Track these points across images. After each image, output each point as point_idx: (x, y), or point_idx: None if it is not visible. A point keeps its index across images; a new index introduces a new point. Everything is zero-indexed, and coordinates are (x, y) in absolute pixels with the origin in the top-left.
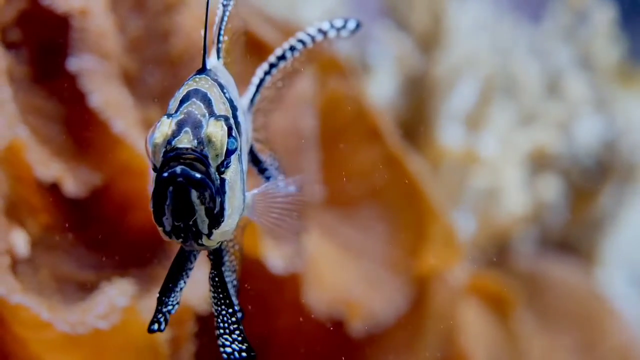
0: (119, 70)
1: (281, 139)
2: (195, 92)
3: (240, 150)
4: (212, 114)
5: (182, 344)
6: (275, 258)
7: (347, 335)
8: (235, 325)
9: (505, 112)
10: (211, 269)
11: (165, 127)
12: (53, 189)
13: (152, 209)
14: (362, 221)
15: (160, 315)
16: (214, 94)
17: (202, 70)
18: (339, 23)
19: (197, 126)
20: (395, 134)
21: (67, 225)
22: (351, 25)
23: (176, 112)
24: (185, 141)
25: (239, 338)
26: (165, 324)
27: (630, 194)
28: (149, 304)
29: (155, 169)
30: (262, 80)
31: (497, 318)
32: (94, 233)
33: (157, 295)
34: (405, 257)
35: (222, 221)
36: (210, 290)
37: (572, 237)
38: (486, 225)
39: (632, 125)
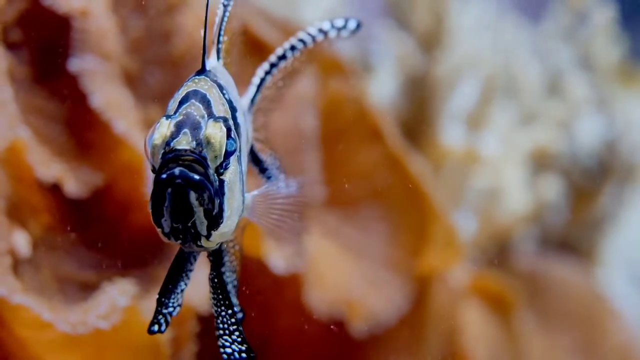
0: (120, 71)
1: (282, 139)
2: (194, 94)
3: (240, 152)
4: (211, 115)
5: (183, 344)
6: (277, 258)
7: (348, 335)
8: (235, 326)
9: (506, 112)
10: (211, 269)
11: (164, 128)
12: (54, 190)
13: (150, 211)
14: (363, 221)
15: (160, 317)
16: (213, 95)
17: (202, 71)
18: (339, 23)
19: (196, 127)
20: (397, 134)
21: (68, 225)
22: (352, 25)
23: (175, 113)
24: (184, 143)
25: (239, 339)
26: (166, 326)
27: (631, 194)
28: (150, 304)
29: (154, 170)
30: (262, 80)
31: (498, 318)
32: (95, 233)
33: (157, 296)
34: (406, 257)
35: (221, 222)
36: (210, 291)
37: (573, 236)
38: (487, 225)
39: (632, 126)
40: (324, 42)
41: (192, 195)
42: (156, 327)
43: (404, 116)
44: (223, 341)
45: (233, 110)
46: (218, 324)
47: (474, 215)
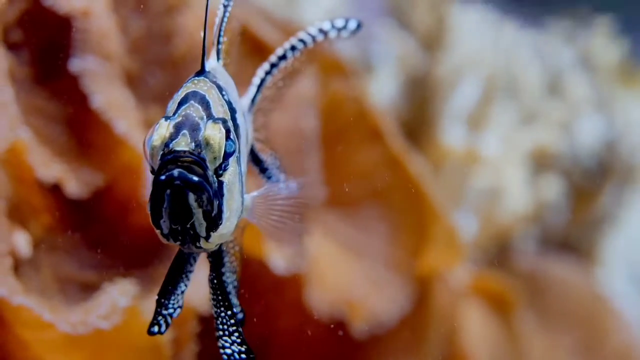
0: (121, 71)
1: (283, 140)
2: (193, 95)
3: (239, 153)
4: (210, 116)
5: (184, 345)
6: (277, 258)
7: (349, 335)
8: (234, 328)
9: (506, 112)
10: (210, 270)
11: (163, 129)
12: (55, 190)
13: (149, 212)
14: (363, 221)
15: (160, 318)
16: (213, 96)
17: (201, 72)
18: (340, 23)
19: (195, 129)
20: (397, 134)
21: (69, 226)
22: (352, 25)
23: (174, 114)
24: (183, 144)
25: (238, 340)
26: (166, 327)
27: (631, 194)
28: (151, 304)
29: (153, 171)
30: (263, 80)
31: (499, 318)
32: (96, 234)
33: (156, 297)
34: (407, 257)
35: (220, 224)
36: (210, 292)
37: (573, 236)
38: (488, 225)
39: (632, 126)
40: (324, 42)
41: (191, 197)
42: (156, 328)
43: (405, 116)
44: (223, 342)
45: (232, 111)
46: (218, 325)
47: (474, 215)
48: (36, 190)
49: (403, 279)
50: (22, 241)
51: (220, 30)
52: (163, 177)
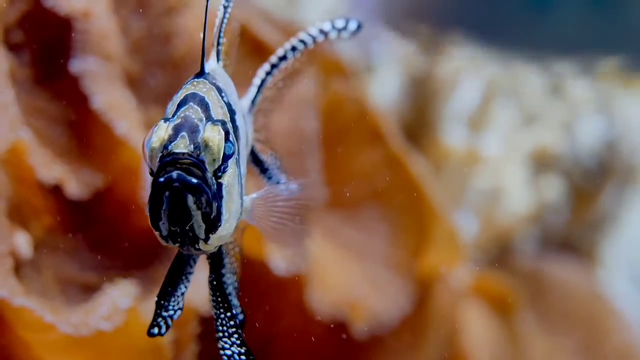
0: (122, 72)
1: (283, 141)
2: (192, 96)
3: (238, 155)
4: (209, 118)
5: (185, 346)
6: (278, 260)
7: (350, 336)
8: (234, 329)
9: (507, 112)
10: (210, 272)
11: (162, 131)
12: (55, 191)
13: (148, 214)
14: (364, 222)
15: (160, 319)
16: (212, 98)
17: (201, 73)
18: (340, 23)
19: (194, 131)
20: (398, 135)
21: (69, 227)
22: (352, 26)
23: (173, 116)
24: (182, 146)
25: (238, 341)
26: (167, 329)
27: (631, 195)
28: (152, 305)
29: (152, 173)
30: (263, 81)
31: (499, 318)
32: (97, 235)
33: (156, 298)
34: (407, 258)
35: (219, 226)
36: (210, 294)
37: (574, 237)
38: (488, 225)
39: (632, 127)
40: (324, 42)
41: (190, 199)
42: (156, 330)
43: (406, 116)
44: (222, 343)
45: (232, 112)
46: (217, 326)
47: (475, 215)
48: (37, 191)
49: (403, 280)
50: (22, 242)
51: (220, 31)
52: (162, 179)
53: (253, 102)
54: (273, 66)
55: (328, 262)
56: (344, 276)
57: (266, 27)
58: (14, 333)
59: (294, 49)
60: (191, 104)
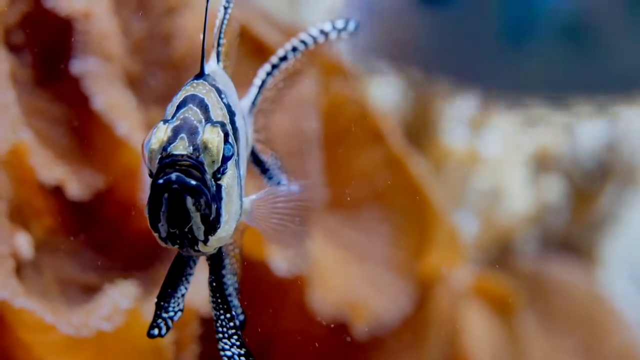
0: (122, 73)
1: (284, 141)
2: (192, 98)
3: (238, 156)
4: (208, 120)
5: (185, 346)
6: (279, 261)
7: (352, 337)
8: (233, 331)
9: (508, 113)
10: (210, 273)
11: (161, 133)
12: (56, 192)
13: (147, 215)
14: (365, 223)
15: (160, 321)
16: (211, 99)
17: (200, 75)
18: (340, 24)
19: (193, 132)
20: (398, 136)
21: (70, 228)
22: (352, 26)
23: (173, 117)
24: (181, 148)
25: (237, 343)
26: (167, 330)
27: (631, 196)
28: (153, 306)
29: (151, 174)
30: (264, 82)
31: (500, 319)
32: (98, 236)
33: (155, 300)
34: (408, 259)
35: (219, 227)
36: (210, 295)
37: (574, 237)
38: (489, 226)
39: (632, 128)
40: (325, 43)
41: (189, 201)
42: (156, 331)
43: (407, 117)
44: (222, 344)
45: (231, 114)
46: (217, 327)
47: (475, 216)
48: (38, 192)
49: (404, 281)
50: (23, 243)
51: (220, 32)
52: (161, 181)
53: (253, 102)
54: (274, 67)
55: (329, 263)
56: (344, 277)
57: (267, 27)
58: (14, 334)
59: (294, 49)
60: (190, 105)
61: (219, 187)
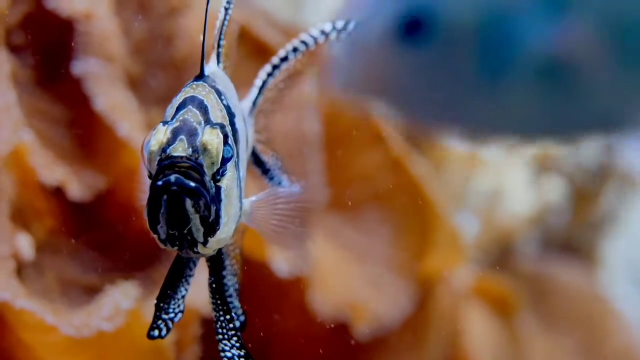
0: (123, 74)
1: (285, 142)
2: (191, 100)
3: (237, 158)
4: (208, 121)
5: (187, 347)
6: (280, 261)
7: (352, 337)
8: (233, 332)
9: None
10: (210, 275)
11: (160, 134)
12: (57, 193)
13: (146, 217)
14: (366, 224)
15: (160, 322)
16: (211, 101)
17: (200, 76)
18: (340, 24)
19: (192, 134)
20: (399, 136)
21: (71, 229)
22: (352, 26)
23: (172, 119)
24: (180, 149)
25: (237, 344)
26: (167, 331)
27: (632, 196)
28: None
29: (150, 176)
30: (264, 82)
31: (501, 320)
32: (99, 236)
33: (155, 301)
34: (409, 259)
35: (218, 229)
36: (210, 296)
37: (574, 238)
38: (490, 227)
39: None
40: (325, 43)
41: (188, 203)
42: (156, 332)
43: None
44: (222, 345)
45: (231, 115)
46: (217, 328)
47: (476, 217)
48: (39, 193)
49: (405, 281)
50: (24, 244)
51: (220, 33)
52: (160, 183)
53: (254, 103)
54: (274, 67)
55: (329, 264)
56: (345, 278)
57: (267, 28)
58: (15, 335)
59: (295, 50)
60: (190, 107)
61: (218, 188)
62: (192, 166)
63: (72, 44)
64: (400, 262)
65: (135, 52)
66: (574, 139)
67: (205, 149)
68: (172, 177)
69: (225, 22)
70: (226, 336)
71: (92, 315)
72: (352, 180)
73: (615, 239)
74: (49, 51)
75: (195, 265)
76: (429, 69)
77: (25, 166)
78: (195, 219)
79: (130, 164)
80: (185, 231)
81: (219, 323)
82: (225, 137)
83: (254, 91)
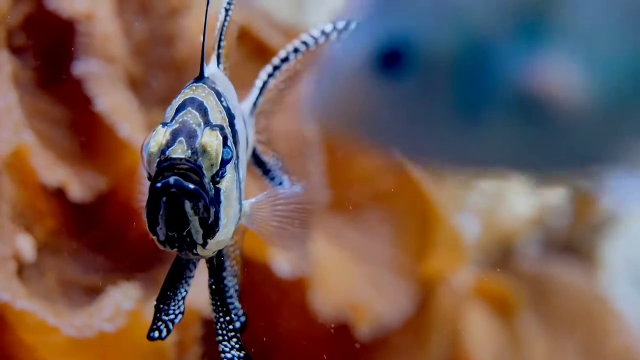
0: (124, 74)
1: (285, 143)
2: (191, 101)
3: (237, 159)
4: (207, 123)
5: (188, 348)
6: (281, 262)
7: (353, 338)
8: (233, 333)
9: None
10: (210, 276)
11: (159, 136)
12: (58, 194)
13: (145, 219)
14: (366, 225)
15: (160, 323)
16: (211, 102)
17: (200, 78)
18: (341, 25)
19: (191, 136)
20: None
21: (72, 229)
22: (353, 27)
23: (172, 121)
24: (179, 151)
25: (237, 345)
26: (167, 333)
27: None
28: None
29: (150, 177)
30: (265, 83)
31: (501, 321)
32: (100, 237)
33: (155, 302)
34: (410, 260)
35: (217, 231)
36: (210, 297)
37: (575, 239)
38: (491, 228)
39: None
40: (326, 44)
41: (187, 204)
42: (156, 334)
43: None
44: (223, 346)
45: (231, 117)
46: (217, 329)
47: (477, 218)
48: (40, 194)
49: (406, 282)
50: (26, 245)
51: (221, 34)
52: (159, 185)
53: (255, 103)
54: (275, 68)
55: (330, 265)
56: (346, 278)
57: (268, 29)
58: (16, 336)
59: (296, 50)
60: (189, 108)
61: (217, 190)
62: (191, 168)
63: (73, 44)
64: (401, 262)
65: (136, 53)
66: (548, 175)
67: (204, 151)
68: (171, 179)
69: (226, 24)
70: (226, 337)
71: (93, 316)
72: (353, 180)
73: (615, 239)
74: (50, 52)
75: (195, 266)
76: (407, 101)
77: (26, 167)
78: (195, 221)
79: (131, 165)
80: (185, 233)
81: (219, 324)
82: (225, 138)
83: (255, 92)
